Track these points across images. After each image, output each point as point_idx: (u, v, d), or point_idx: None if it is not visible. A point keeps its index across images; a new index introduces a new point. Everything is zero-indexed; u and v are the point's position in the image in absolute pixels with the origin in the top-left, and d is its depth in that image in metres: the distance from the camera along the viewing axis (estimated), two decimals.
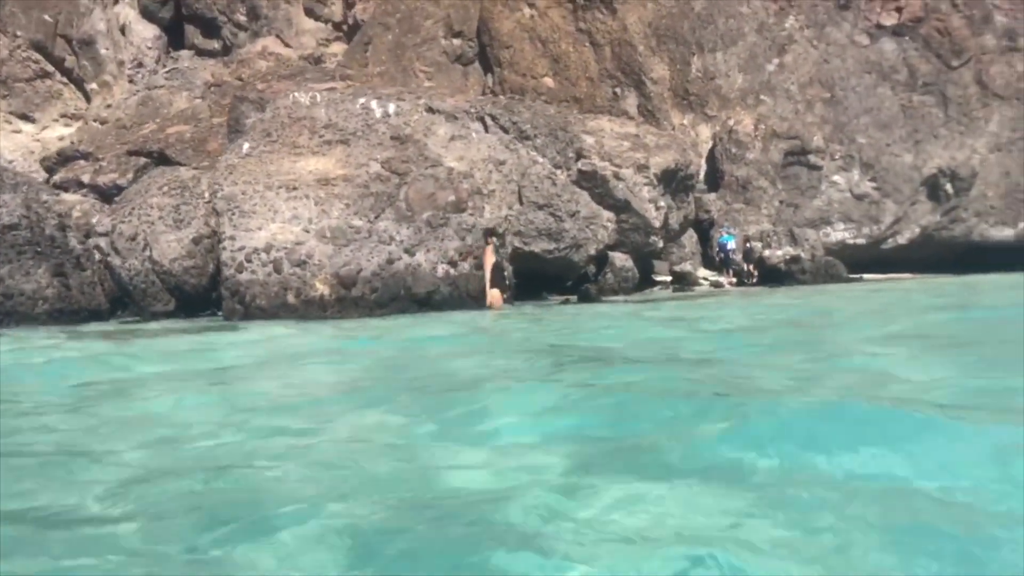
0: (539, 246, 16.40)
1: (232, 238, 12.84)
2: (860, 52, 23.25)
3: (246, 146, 14.08)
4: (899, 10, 23.22)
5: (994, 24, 23.25)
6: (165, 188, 14.89)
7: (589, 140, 19.40)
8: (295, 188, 13.37)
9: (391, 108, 14.68)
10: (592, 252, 18.52)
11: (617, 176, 18.77)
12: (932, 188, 22.52)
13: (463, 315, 12.26)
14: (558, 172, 16.55)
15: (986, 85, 22.86)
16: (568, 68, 24.55)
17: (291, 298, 12.60)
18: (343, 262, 12.88)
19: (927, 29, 23.05)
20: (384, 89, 17.07)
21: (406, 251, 13.19)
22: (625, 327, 9.67)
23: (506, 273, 14.56)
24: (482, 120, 16.49)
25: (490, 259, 13.91)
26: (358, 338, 9.52)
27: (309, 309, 12.56)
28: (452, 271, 13.54)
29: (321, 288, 12.72)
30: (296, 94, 14.72)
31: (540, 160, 16.37)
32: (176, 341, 9.67)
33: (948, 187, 22.52)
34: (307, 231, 13.02)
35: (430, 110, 16.09)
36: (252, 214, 13.04)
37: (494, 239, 14.34)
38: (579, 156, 17.69)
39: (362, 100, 14.64)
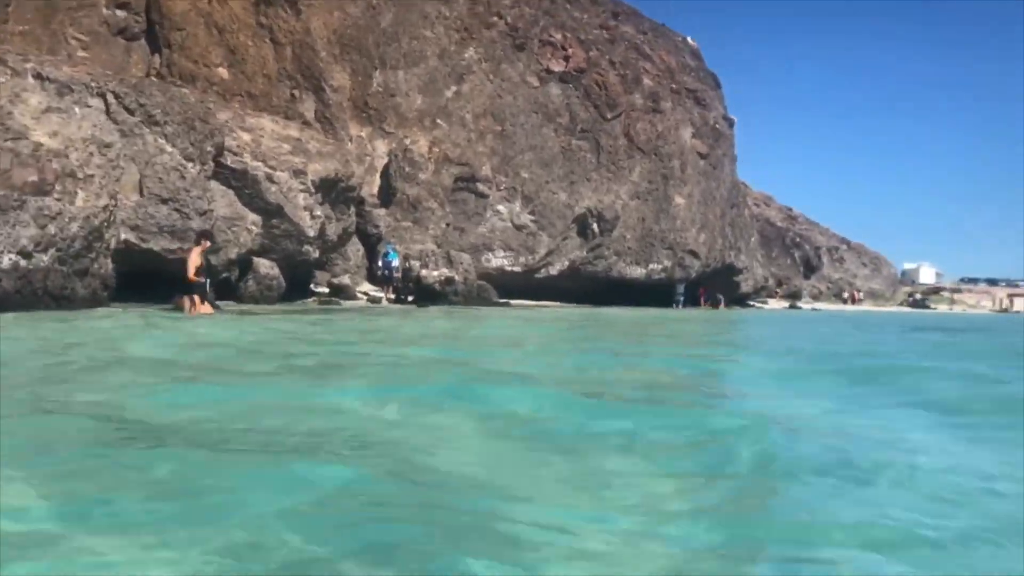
0: (160, 244, 14.89)
1: None
2: (530, 92, 24.86)
3: None
4: (567, 59, 25.26)
5: (642, 86, 26.25)
6: None
7: (245, 137, 18.26)
8: None
9: None
10: (232, 256, 17.36)
11: (271, 178, 17.88)
12: (582, 226, 24.64)
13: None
14: (189, 165, 15.22)
15: (632, 138, 25.66)
16: (245, 62, 23.25)
17: None
18: None
19: (588, 80, 25.32)
20: None
21: None
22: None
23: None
24: (103, 96, 14.67)
25: (195, 261, 12.49)
26: None
27: None
28: (24, 263, 11.63)
29: None
30: None
31: (169, 150, 14.92)
32: None
33: (595, 227, 24.81)
34: None
35: (37, 76, 13.93)
36: None
37: (206, 241, 13.07)
38: (220, 151, 16.51)
39: None
